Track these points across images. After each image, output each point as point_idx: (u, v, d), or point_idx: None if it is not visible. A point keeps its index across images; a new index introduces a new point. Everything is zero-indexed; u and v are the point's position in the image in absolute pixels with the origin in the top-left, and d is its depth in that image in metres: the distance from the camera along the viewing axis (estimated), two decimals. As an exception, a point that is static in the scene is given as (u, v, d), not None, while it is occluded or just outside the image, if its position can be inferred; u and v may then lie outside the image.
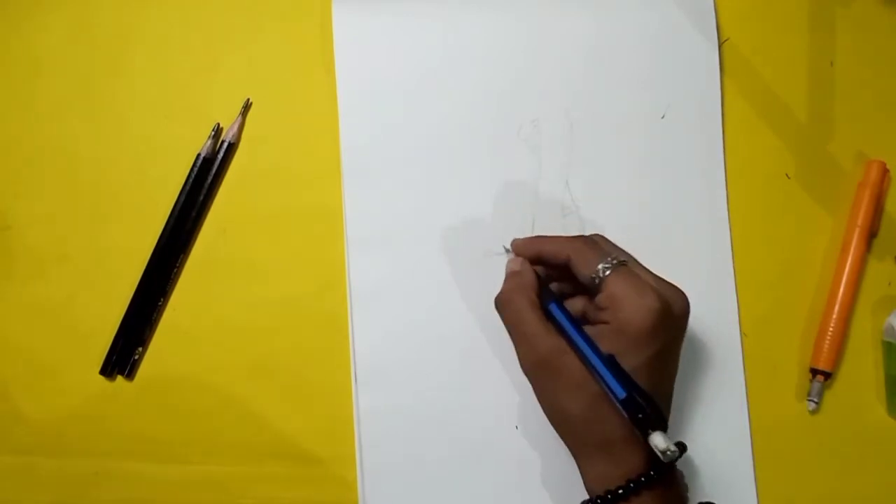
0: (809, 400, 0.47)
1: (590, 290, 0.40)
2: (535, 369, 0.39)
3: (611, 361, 0.36)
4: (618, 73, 0.49)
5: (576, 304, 0.41)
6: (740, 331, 0.47)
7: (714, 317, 0.47)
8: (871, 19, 0.50)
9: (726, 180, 0.48)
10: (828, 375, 0.47)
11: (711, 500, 0.41)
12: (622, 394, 0.35)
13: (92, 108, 0.48)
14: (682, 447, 0.35)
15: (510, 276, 0.42)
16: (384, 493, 0.45)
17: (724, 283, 0.47)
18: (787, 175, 0.49)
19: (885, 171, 0.49)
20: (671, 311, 0.38)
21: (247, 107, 0.48)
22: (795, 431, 0.47)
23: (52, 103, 0.48)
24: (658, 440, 0.34)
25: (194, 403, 0.46)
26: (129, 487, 0.46)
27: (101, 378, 0.46)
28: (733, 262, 0.48)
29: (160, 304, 0.47)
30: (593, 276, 0.39)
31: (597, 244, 0.41)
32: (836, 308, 0.47)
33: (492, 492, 0.45)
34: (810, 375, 0.47)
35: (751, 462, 0.46)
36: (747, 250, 0.48)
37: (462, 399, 0.46)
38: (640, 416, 0.35)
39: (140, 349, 0.46)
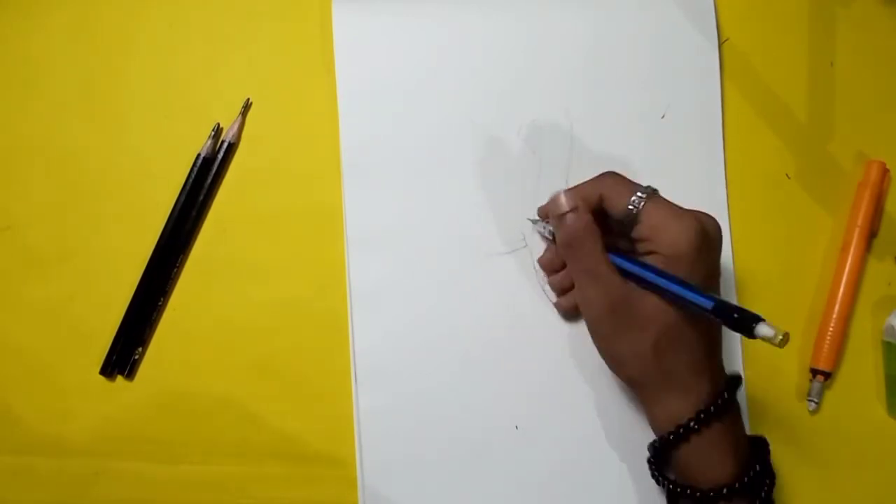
0: (809, 400, 0.47)
1: (624, 225, 0.40)
2: (609, 310, 0.40)
3: (683, 281, 0.37)
4: (618, 73, 0.49)
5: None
6: (740, 331, 0.47)
7: (714, 317, 0.47)
8: (871, 19, 0.50)
9: (726, 180, 0.48)
10: (828, 375, 0.47)
11: (765, 437, 0.42)
12: (710, 303, 0.36)
13: (92, 108, 0.48)
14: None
15: (575, 219, 0.41)
16: (384, 493, 0.45)
17: (724, 283, 0.47)
18: (787, 175, 0.49)
19: (885, 171, 0.49)
20: (708, 232, 0.39)
21: (247, 107, 0.48)
22: (795, 431, 0.47)
23: (52, 103, 0.48)
24: (765, 329, 0.34)
25: (194, 403, 0.46)
26: (129, 487, 0.46)
27: (101, 378, 0.46)
28: (733, 262, 0.48)
29: (160, 304, 0.47)
30: (630, 207, 0.40)
31: (625, 178, 0.41)
32: (836, 308, 0.47)
33: (491, 492, 0.45)
34: (810, 375, 0.47)
35: (751, 462, 0.46)
36: (747, 250, 0.48)
37: (462, 399, 0.46)
38: (736, 315, 0.35)
39: (140, 349, 0.46)
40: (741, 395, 0.46)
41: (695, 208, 0.41)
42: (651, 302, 0.39)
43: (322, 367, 0.46)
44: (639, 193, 0.40)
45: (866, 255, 0.48)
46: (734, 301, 0.47)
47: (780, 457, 0.46)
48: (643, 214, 0.39)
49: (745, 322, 0.35)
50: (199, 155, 0.47)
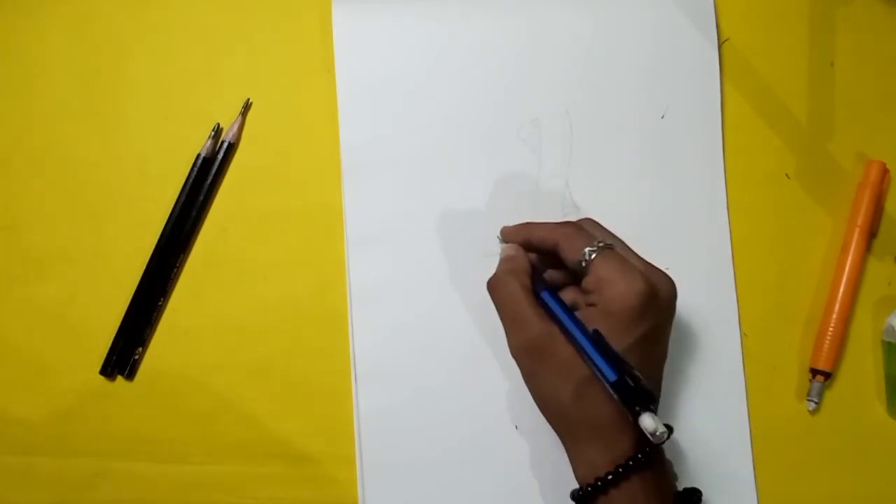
0: (809, 400, 0.47)
1: (578, 274, 0.40)
2: (525, 352, 0.39)
3: (600, 343, 0.36)
4: (618, 73, 0.49)
5: (567, 295, 0.42)
6: (740, 331, 0.47)
7: (714, 317, 0.47)
8: (871, 19, 0.50)
9: (726, 180, 0.48)
10: (828, 375, 0.47)
11: (699, 489, 0.40)
12: (613, 376, 0.35)
13: (92, 108, 0.48)
14: (669, 429, 0.35)
15: (504, 261, 0.43)
16: (384, 493, 0.45)
17: (724, 284, 0.47)
18: (787, 175, 0.49)
19: (885, 171, 0.49)
20: (657, 294, 0.38)
21: (247, 107, 0.48)
22: (795, 431, 0.47)
23: (52, 104, 0.48)
24: (647, 421, 0.34)
25: (194, 403, 0.46)
26: (129, 487, 0.46)
27: (101, 378, 0.46)
28: (733, 262, 0.48)
29: (160, 304, 0.47)
30: (580, 259, 0.39)
31: (584, 229, 0.41)
32: (836, 308, 0.47)
33: (492, 492, 0.45)
34: (810, 375, 0.47)
35: (751, 462, 0.46)
36: (747, 250, 0.48)
37: (462, 399, 0.46)
38: (630, 397, 0.35)
39: (140, 349, 0.46)
40: (741, 393, 0.46)
41: (653, 263, 0.40)
42: (573, 350, 0.38)
43: (322, 367, 0.46)
44: (591, 247, 0.39)
45: (866, 255, 0.48)
46: (734, 302, 0.47)
47: (781, 457, 0.47)
48: (592, 266, 0.39)
49: (635, 406, 0.35)
50: (199, 155, 0.47)
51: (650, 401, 0.35)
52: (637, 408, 0.35)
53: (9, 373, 0.46)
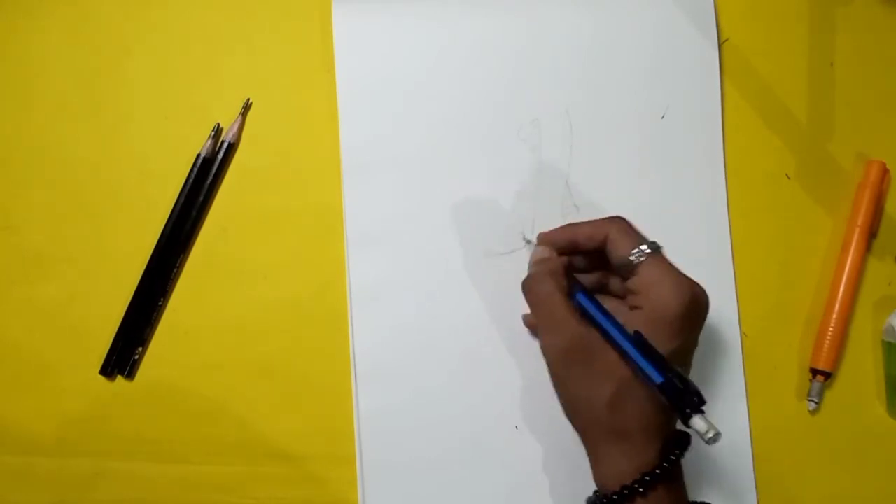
0: (809, 400, 0.47)
1: (619, 272, 0.40)
2: (564, 355, 0.39)
3: (643, 345, 0.36)
4: (618, 73, 0.49)
5: (591, 278, 0.42)
6: (740, 331, 0.47)
7: (714, 317, 0.47)
8: (871, 19, 0.50)
9: (726, 180, 0.48)
10: (828, 375, 0.47)
11: (708, 501, 0.41)
12: (659, 378, 0.35)
13: (92, 108, 0.48)
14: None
15: (538, 262, 0.42)
16: (384, 493, 0.45)
17: (724, 284, 0.47)
18: (787, 175, 0.49)
19: (885, 171, 0.49)
20: (700, 304, 0.38)
21: (247, 107, 0.48)
22: (795, 431, 0.47)
23: (52, 103, 0.48)
24: (699, 423, 0.34)
25: (194, 403, 0.46)
26: (129, 487, 0.46)
27: (101, 378, 0.46)
28: (733, 262, 0.48)
29: (160, 304, 0.47)
30: (630, 258, 0.39)
31: (633, 227, 0.41)
32: (836, 308, 0.47)
33: (492, 492, 0.45)
34: (810, 375, 0.47)
35: (751, 462, 0.46)
36: (747, 250, 0.48)
37: (462, 399, 0.46)
38: (679, 399, 0.35)
39: (140, 349, 0.46)
40: (741, 393, 0.46)
41: (695, 269, 0.39)
42: (613, 354, 0.37)
43: (322, 367, 0.46)
44: (643, 247, 0.39)
45: (866, 255, 0.48)
46: (734, 302, 0.47)
47: (781, 457, 0.47)
48: (641, 268, 0.38)
49: (684, 409, 0.35)
50: (199, 155, 0.47)
51: (700, 402, 0.35)
52: (688, 410, 0.34)
53: (9, 373, 0.46)
